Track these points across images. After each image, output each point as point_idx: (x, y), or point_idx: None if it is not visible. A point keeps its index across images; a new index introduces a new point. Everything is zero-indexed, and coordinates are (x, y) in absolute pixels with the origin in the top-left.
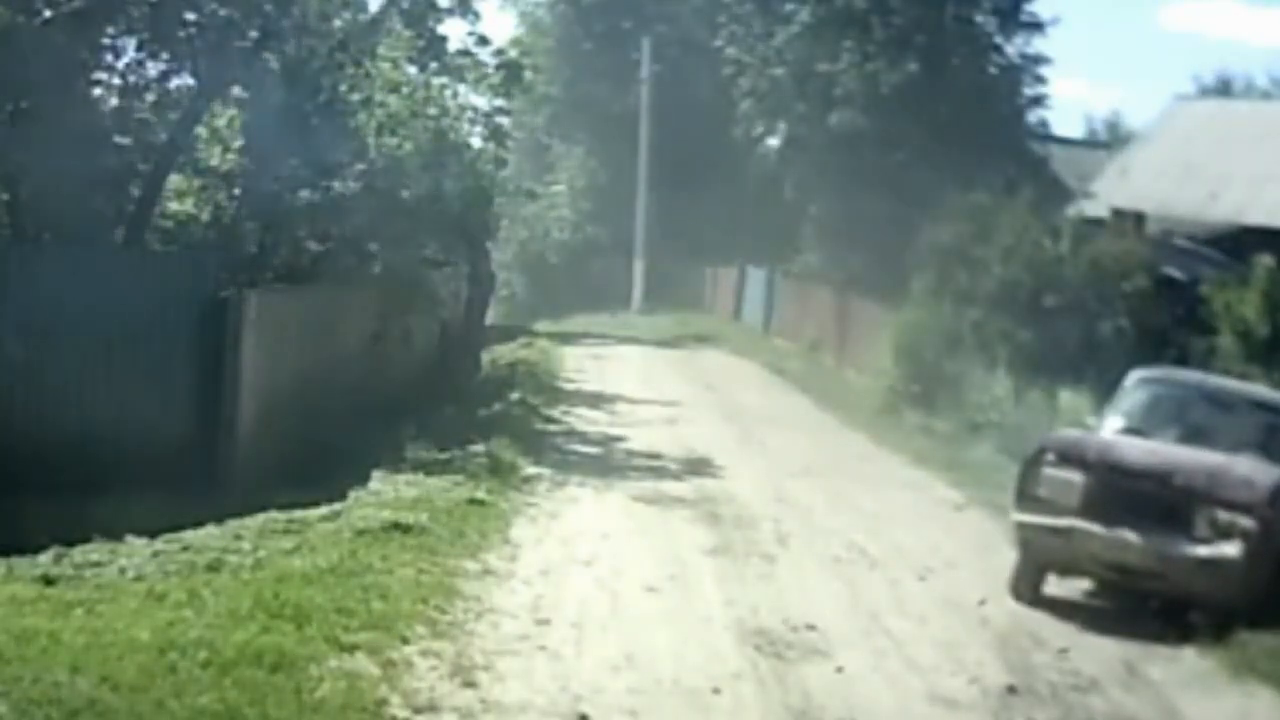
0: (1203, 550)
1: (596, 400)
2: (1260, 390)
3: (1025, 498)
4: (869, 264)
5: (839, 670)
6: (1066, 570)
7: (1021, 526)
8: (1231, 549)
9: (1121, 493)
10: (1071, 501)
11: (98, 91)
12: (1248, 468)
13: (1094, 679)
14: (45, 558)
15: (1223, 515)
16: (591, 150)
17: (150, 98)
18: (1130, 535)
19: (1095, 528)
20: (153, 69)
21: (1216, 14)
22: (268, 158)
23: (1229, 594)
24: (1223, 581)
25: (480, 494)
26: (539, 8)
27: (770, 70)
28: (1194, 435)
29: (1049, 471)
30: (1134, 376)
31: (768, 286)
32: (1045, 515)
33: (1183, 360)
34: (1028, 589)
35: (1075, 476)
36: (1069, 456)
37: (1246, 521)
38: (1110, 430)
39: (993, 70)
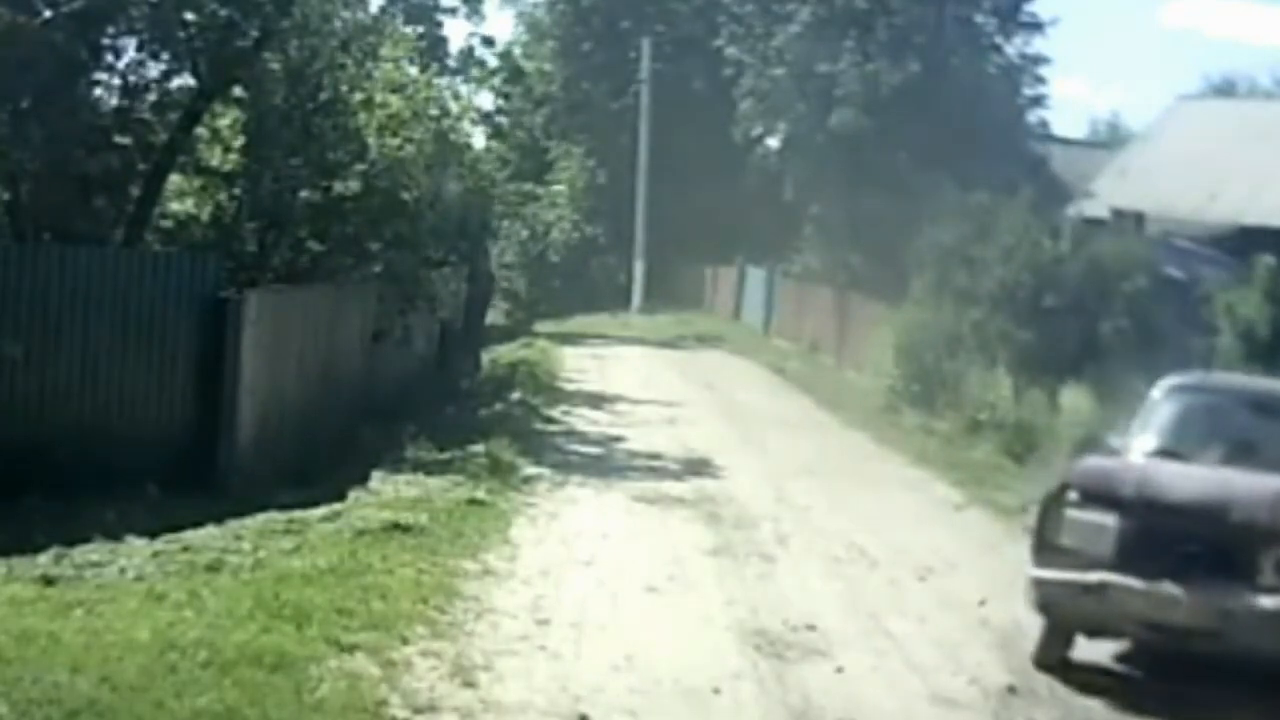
0: (1270, 602)
1: (597, 400)
2: None
3: (1046, 548)
4: (869, 264)
5: (839, 670)
6: (1098, 632)
7: (1041, 584)
8: None
9: (1165, 536)
10: (1103, 551)
11: (98, 91)
12: None
13: None
14: (45, 558)
15: None
16: (591, 150)
17: (150, 98)
18: (1177, 589)
19: (1134, 582)
20: (153, 69)
21: (1218, 13)
22: (268, 158)
23: None
24: None
25: (480, 494)
26: (538, 8)
27: (770, 70)
28: (1245, 455)
29: (1073, 514)
30: (1164, 384)
31: (767, 286)
32: (1071, 569)
33: (1184, 360)
34: (1055, 657)
35: (1107, 519)
36: (1098, 494)
37: None
38: (1140, 453)
39: (992, 70)
